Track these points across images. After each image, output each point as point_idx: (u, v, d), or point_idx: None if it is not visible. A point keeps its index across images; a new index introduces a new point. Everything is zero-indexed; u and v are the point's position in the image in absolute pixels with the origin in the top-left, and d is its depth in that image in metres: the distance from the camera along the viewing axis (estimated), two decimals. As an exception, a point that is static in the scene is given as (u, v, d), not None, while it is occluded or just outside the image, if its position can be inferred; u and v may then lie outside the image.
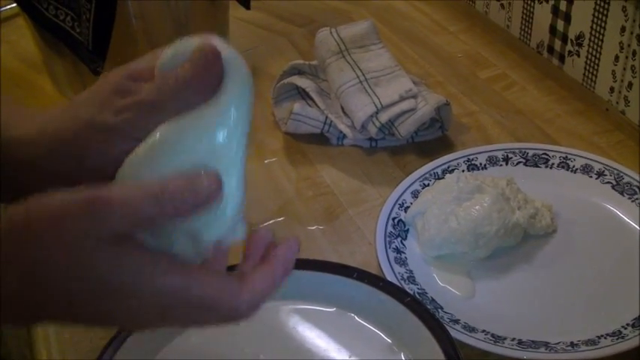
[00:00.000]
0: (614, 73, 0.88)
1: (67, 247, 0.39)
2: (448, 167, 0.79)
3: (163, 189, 0.40)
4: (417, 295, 0.65)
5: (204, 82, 0.43)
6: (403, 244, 0.72)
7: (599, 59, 0.90)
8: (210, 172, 0.41)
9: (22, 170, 0.47)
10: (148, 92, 0.44)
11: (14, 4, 1.10)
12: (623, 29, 0.84)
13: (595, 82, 0.92)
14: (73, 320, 0.44)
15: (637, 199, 0.74)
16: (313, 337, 0.62)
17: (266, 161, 0.87)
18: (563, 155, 0.80)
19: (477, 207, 0.68)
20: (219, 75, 0.43)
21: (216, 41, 0.44)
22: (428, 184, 0.77)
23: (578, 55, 0.93)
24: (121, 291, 0.40)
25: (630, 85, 0.86)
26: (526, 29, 1.03)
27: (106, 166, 0.44)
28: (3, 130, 0.47)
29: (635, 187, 0.75)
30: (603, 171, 0.77)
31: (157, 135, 0.43)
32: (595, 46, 0.90)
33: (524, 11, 1.01)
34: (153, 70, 0.45)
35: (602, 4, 0.86)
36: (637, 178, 0.75)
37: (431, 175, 0.78)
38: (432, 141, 0.87)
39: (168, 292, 0.41)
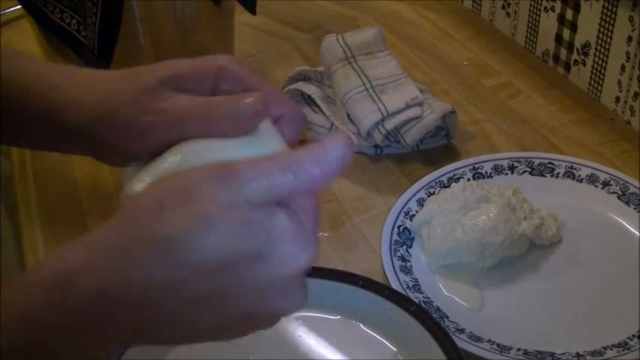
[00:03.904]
0: (619, 82, 0.88)
1: (205, 218, 0.36)
2: (454, 175, 0.79)
3: (296, 159, 0.38)
4: (423, 304, 0.65)
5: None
6: (408, 253, 0.72)
7: (605, 68, 0.90)
8: (340, 133, 0.40)
9: (59, 133, 0.46)
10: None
11: (19, 6, 1.10)
12: (629, 39, 0.84)
13: (601, 92, 0.92)
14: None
15: (643, 209, 0.74)
16: (318, 345, 0.61)
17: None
18: (569, 165, 0.80)
19: (483, 217, 0.68)
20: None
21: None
22: (433, 192, 0.77)
23: (584, 65, 0.93)
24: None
25: (636, 95, 0.86)
26: (532, 37, 1.02)
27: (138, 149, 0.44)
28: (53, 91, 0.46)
29: (641, 198, 0.75)
30: (609, 181, 0.77)
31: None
32: (601, 56, 0.90)
33: (530, 19, 1.01)
34: (193, 78, 0.45)
35: (609, 13, 0.86)
36: (643, 188, 0.75)
37: (436, 183, 0.78)
38: (437, 149, 0.87)
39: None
